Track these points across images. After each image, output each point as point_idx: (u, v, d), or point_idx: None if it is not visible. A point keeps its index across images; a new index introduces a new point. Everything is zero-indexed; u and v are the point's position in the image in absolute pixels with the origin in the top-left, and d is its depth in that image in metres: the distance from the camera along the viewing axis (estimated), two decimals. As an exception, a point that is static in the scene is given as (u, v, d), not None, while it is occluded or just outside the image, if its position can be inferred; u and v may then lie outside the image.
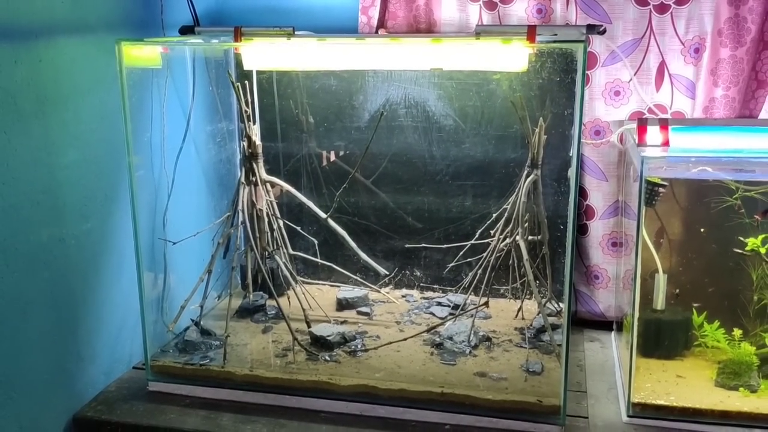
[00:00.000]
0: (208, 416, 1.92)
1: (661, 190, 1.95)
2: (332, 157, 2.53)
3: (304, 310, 2.23)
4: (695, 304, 2.09)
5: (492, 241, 2.24)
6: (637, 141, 1.93)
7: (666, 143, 1.91)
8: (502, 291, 2.41)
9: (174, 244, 2.19)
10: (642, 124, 1.93)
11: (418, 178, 2.46)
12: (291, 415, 1.92)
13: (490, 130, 2.33)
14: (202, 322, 2.23)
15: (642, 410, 1.86)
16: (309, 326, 2.20)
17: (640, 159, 1.78)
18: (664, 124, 1.92)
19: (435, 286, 2.56)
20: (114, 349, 2.10)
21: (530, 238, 2.18)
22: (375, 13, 2.37)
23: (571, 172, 1.75)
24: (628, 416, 1.87)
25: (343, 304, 2.44)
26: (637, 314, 1.87)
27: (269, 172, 2.31)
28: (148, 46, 2.07)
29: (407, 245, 2.52)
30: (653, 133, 1.91)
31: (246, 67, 2.32)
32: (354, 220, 2.50)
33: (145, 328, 2.04)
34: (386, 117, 2.40)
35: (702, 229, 2.10)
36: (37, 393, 1.80)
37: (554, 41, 1.87)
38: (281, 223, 2.33)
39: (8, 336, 1.69)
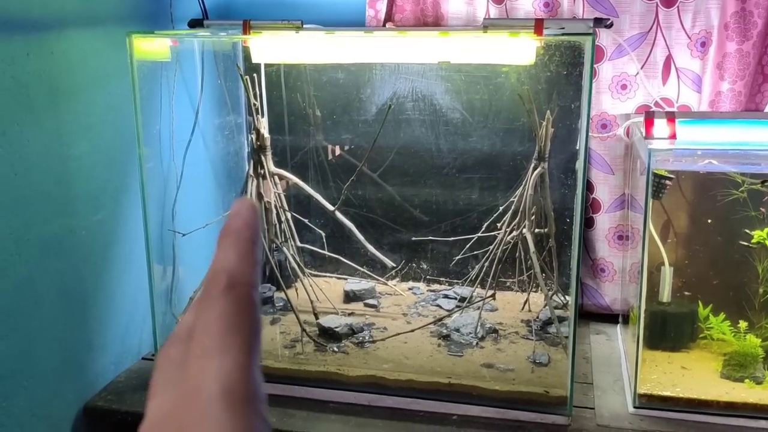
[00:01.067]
0: (218, 406, 1.93)
1: (667, 182, 1.96)
2: (338, 151, 2.54)
3: (311, 301, 2.25)
4: (687, 293, 2.11)
5: (499, 233, 2.25)
6: (644, 134, 1.94)
7: (673, 136, 1.92)
8: (508, 283, 2.42)
9: (184, 235, 2.20)
10: (649, 117, 1.94)
11: (425, 171, 2.47)
12: (300, 405, 1.94)
13: (497, 123, 2.35)
14: (210, 314, 2.24)
15: (648, 401, 1.88)
16: (317, 318, 2.21)
17: (647, 151, 1.79)
18: (671, 117, 1.93)
19: (442, 279, 2.57)
20: (123, 340, 2.12)
21: (537, 230, 2.19)
22: (382, 7, 2.38)
23: (579, 165, 1.76)
24: (635, 407, 1.88)
25: (350, 296, 2.45)
26: (643, 306, 1.88)
27: (277, 164, 2.32)
28: (159, 39, 2.08)
29: (414, 238, 2.53)
30: (660, 126, 1.92)
31: (254, 60, 2.33)
32: (361, 213, 2.51)
33: (155, 318, 2.06)
34: (393, 110, 2.41)
35: (708, 221, 2.12)
36: (49, 382, 1.82)
37: (562, 34, 1.88)
38: (289, 215, 2.34)
39: (21, 326, 1.71)
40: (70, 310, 1.89)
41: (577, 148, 2.17)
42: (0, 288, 1.65)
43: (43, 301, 1.79)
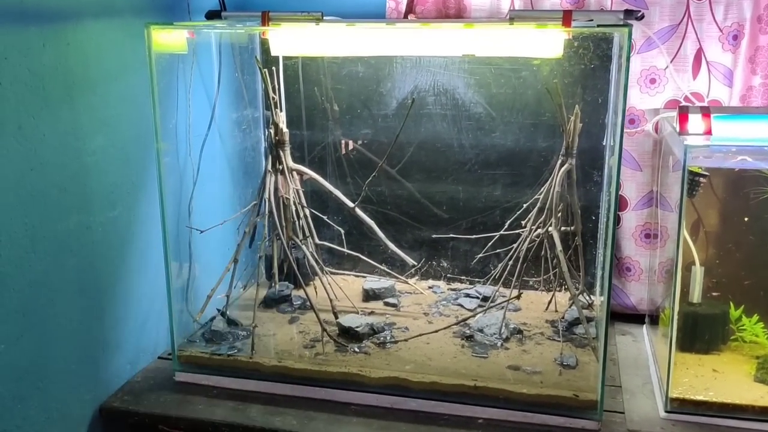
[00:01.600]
0: (237, 407, 1.89)
1: (701, 180, 1.90)
2: (351, 145, 2.49)
3: (331, 300, 2.19)
4: (717, 293, 2.06)
5: (523, 231, 2.20)
6: (678, 129, 1.88)
7: (708, 132, 1.85)
8: (531, 282, 2.37)
9: (201, 232, 2.15)
10: (683, 111, 1.88)
11: (446, 167, 2.41)
12: (321, 407, 1.89)
13: (522, 117, 2.29)
14: (227, 312, 2.20)
15: (680, 406, 1.82)
16: (337, 317, 2.16)
17: (683, 148, 1.72)
18: (706, 112, 1.87)
19: (462, 277, 2.51)
20: (140, 339, 2.07)
21: (563, 228, 2.13)
22: (403, -1, 2.32)
23: (613, 162, 1.70)
24: (666, 411, 1.82)
25: (369, 295, 2.40)
26: (677, 308, 1.82)
27: (294, 160, 2.27)
28: (176, 30, 2.03)
29: (434, 236, 2.47)
30: (695, 121, 1.86)
31: (273, 52, 2.28)
32: (379, 209, 2.45)
33: (172, 317, 2.01)
34: (414, 104, 2.35)
35: (740, 220, 2.06)
36: (64, 383, 1.77)
37: (598, 26, 1.81)
38: (308, 212, 2.29)
39: (36, 324, 1.66)
40: (86, 309, 1.84)
41: (604, 143, 2.12)
42: (15, 286, 1.60)
43: (59, 300, 1.74)
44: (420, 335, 2.10)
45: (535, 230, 2.15)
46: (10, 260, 1.58)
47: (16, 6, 1.56)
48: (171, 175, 2.04)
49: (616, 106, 1.84)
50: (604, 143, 2.14)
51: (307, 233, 2.29)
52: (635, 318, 2.40)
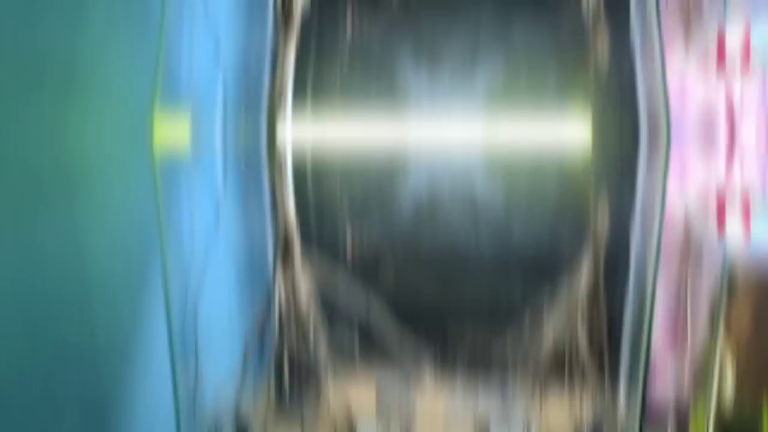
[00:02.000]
0: None
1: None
2: (360, 244, 2.41)
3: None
4: (750, 393, 1.95)
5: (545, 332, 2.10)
6: (715, 225, 1.81)
7: (747, 228, 1.79)
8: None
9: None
10: (720, 206, 1.82)
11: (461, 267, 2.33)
12: None
13: (543, 213, 2.22)
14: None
15: None
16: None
17: (723, 245, 1.64)
18: (744, 208, 1.80)
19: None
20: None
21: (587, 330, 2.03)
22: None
23: (649, 266, 1.61)
24: None
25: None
26: (712, 417, 1.70)
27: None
28: (181, 121, 1.98)
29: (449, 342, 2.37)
30: (733, 217, 1.80)
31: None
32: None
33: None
34: (428, 200, 2.28)
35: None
36: None
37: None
38: (320, 316, 2.19)
39: (37, 442, 1.53)
40: (90, 421, 1.71)
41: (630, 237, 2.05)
42: (16, 403, 1.47)
43: (62, 412, 1.60)
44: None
45: (556, 333, 2.05)
46: (8, 373, 1.46)
47: (11, 102, 1.50)
48: (176, 275, 1.94)
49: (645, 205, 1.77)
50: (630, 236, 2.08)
51: (319, 339, 2.19)
52: (657, 424, 2.27)
